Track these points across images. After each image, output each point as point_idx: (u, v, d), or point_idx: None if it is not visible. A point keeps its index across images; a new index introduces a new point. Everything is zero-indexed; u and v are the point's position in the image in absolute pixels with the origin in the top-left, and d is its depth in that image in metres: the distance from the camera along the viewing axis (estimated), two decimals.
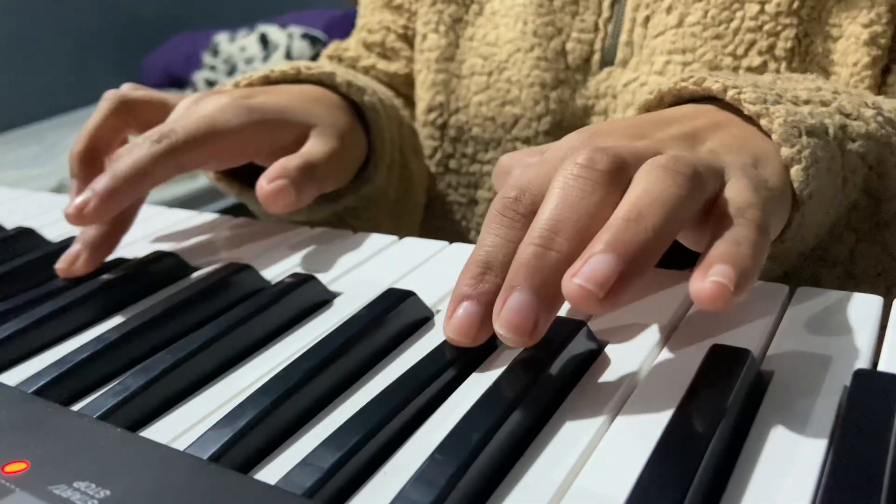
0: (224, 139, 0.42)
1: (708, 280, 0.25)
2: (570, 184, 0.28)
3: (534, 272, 0.26)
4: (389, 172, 0.54)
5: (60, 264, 0.41)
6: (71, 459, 0.24)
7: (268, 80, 0.50)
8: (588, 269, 0.25)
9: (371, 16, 0.65)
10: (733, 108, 0.35)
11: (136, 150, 0.40)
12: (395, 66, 0.64)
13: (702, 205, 0.29)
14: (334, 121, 0.48)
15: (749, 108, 0.34)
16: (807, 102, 0.37)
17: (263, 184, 0.41)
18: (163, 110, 0.48)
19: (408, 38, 0.64)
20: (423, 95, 0.59)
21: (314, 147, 0.45)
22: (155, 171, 0.40)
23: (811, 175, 0.33)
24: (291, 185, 0.41)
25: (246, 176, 0.51)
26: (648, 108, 0.39)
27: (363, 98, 0.50)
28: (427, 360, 0.29)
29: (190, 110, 0.44)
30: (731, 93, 0.35)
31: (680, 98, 0.38)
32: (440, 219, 0.61)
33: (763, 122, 0.34)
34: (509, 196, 0.30)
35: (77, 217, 0.39)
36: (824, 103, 0.37)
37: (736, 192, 0.29)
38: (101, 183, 0.39)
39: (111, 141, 0.47)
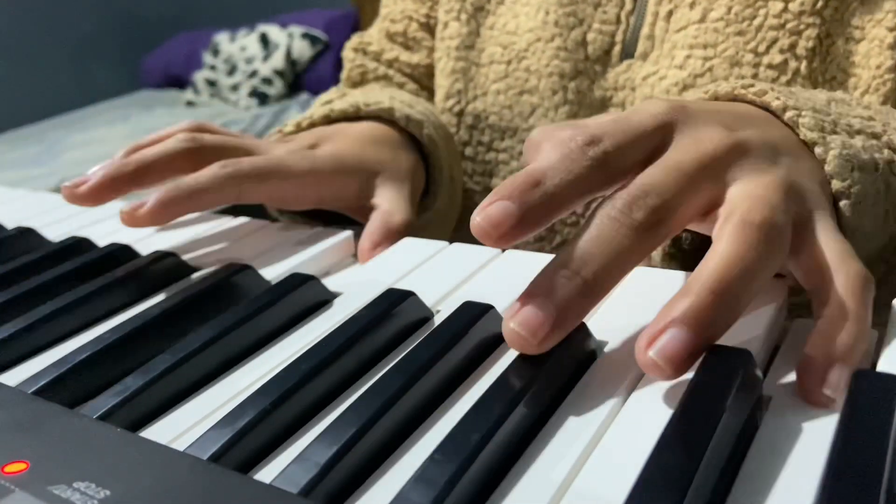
0: (285, 182, 0.45)
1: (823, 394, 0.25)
2: (608, 224, 0.28)
3: (558, 290, 0.27)
4: (443, 194, 0.55)
5: (127, 207, 0.41)
6: (71, 460, 0.24)
7: (329, 119, 0.53)
8: (662, 345, 0.26)
9: (394, 5, 0.66)
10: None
11: (204, 171, 0.43)
12: (418, 57, 0.64)
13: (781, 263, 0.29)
14: (398, 164, 0.50)
15: (807, 135, 0.34)
16: (859, 133, 0.37)
17: (365, 253, 0.44)
18: (236, 154, 0.47)
19: (430, 28, 0.64)
20: (443, 83, 0.60)
21: (388, 204, 0.47)
22: (215, 191, 0.42)
23: (858, 211, 0.33)
24: (381, 247, 0.44)
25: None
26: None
27: (422, 132, 0.52)
28: (426, 360, 0.29)
29: (260, 147, 0.47)
30: (790, 114, 0.34)
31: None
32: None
33: (818, 150, 0.33)
34: (577, 139, 0.30)
35: (129, 217, 0.41)
36: (875, 136, 0.37)
37: (831, 249, 0.29)
38: (162, 190, 0.41)
39: (162, 177, 0.45)
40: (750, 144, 0.32)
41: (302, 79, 2.82)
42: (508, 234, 0.28)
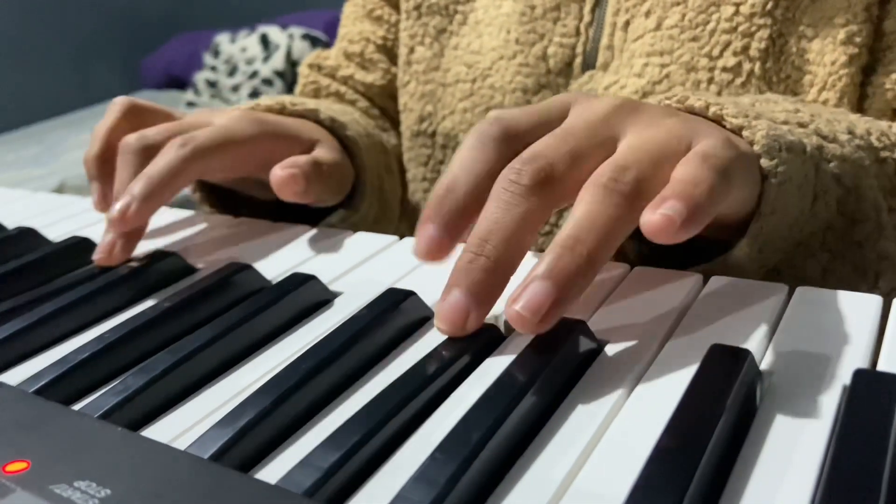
0: (241, 147, 0.45)
1: (657, 213, 0.27)
2: (499, 196, 0.30)
3: (465, 274, 0.29)
4: (370, 198, 0.55)
5: (99, 255, 0.42)
6: (72, 459, 0.24)
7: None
8: (526, 297, 0.28)
9: (352, 26, 0.67)
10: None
11: (165, 154, 0.43)
12: (372, 77, 0.66)
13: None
14: (333, 144, 0.51)
15: (732, 122, 0.35)
16: (785, 123, 0.38)
17: (277, 170, 0.43)
18: (168, 119, 0.50)
19: (387, 49, 0.66)
20: (414, 107, 0.61)
21: (321, 152, 0.48)
22: (185, 174, 0.43)
23: (784, 192, 0.34)
24: (302, 175, 0.44)
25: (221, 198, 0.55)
26: None
27: (346, 133, 0.52)
28: (427, 360, 0.29)
29: (201, 120, 0.47)
30: (713, 109, 0.35)
31: None
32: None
33: (746, 133, 0.34)
34: (487, 126, 0.33)
35: (121, 220, 0.41)
36: (802, 125, 0.38)
37: (705, 145, 0.31)
38: (138, 186, 0.41)
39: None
40: (643, 105, 0.33)
41: None
42: (441, 256, 0.32)
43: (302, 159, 0.45)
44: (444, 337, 0.30)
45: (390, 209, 0.61)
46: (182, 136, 0.44)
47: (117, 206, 0.41)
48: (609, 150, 0.32)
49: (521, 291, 0.28)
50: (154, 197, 0.42)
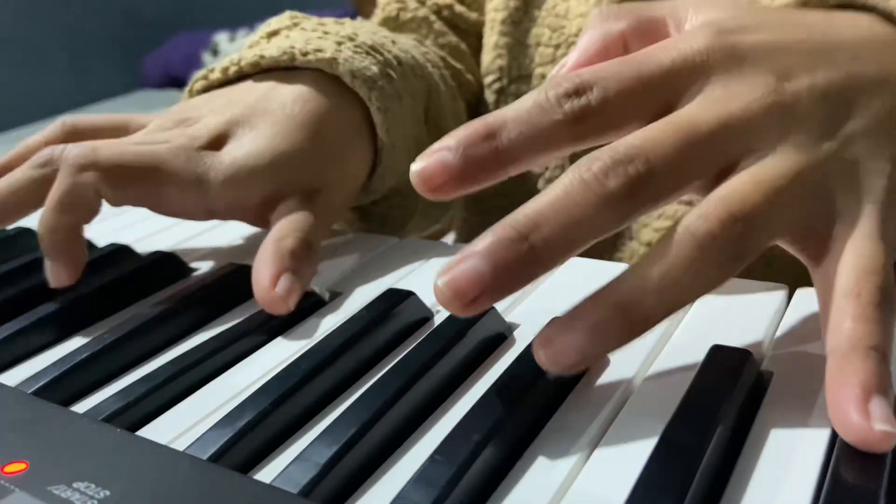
0: (165, 186, 0.37)
1: (875, 429, 0.22)
2: (573, 186, 0.24)
3: (499, 250, 0.24)
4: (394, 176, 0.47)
5: (54, 283, 0.37)
6: (70, 460, 0.24)
7: (259, 68, 0.43)
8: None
9: None
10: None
11: (53, 188, 0.36)
12: (473, 14, 0.57)
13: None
14: (342, 171, 0.41)
15: None
16: None
17: (266, 293, 0.34)
18: (120, 134, 0.42)
19: None
20: (485, 57, 0.55)
21: (310, 216, 0.38)
22: (82, 204, 0.36)
23: None
24: (297, 279, 0.35)
25: None
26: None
27: (370, 95, 0.42)
28: (426, 360, 0.29)
29: (146, 137, 0.39)
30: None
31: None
32: (484, 202, 0.56)
33: None
34: (556, 84, 0.26)
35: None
36: None
37: (862, 253, 0.24)
38: (48, 252, 0.37)
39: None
40: (798, 107, 0.26)
41: None
42: (441, 189, 0.25)
43: (286, 250, 0.35)
44: (445, 337, 0.30)
45: None
46: (84, 152, 0.36)
47: None
48: (730, 163, 0.25)
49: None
50: (65, 251, 0.37)
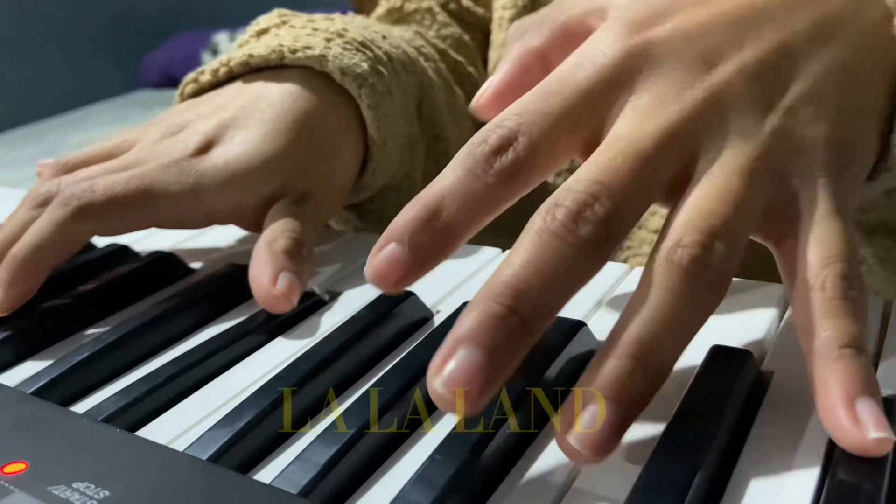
0: (157, 208, 0.37)
1: (869, 438, 0.21)
2: (547, 243, 0.22)
3: (493, 331, 0.21)
4: (411, 153, 0.47)
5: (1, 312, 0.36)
6: (70, 460, 0.24)
7: (248, 67, 0.43)
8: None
9: None
10: None
11: (39, 219, 0.36)
12: (480, 9, 0.57)
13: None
14: (331, 174, 0.41)
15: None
16: None
17: (266, 292, 0.34)
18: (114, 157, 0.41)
19: None
20: (492, 55, 0.54)
21: (300, 217, 0.38)
22: (63, 244, 0.36)
23: None
24: (296, 278, 0.34)
25: None
26: None
27: (360, 92, 0.41)
28: (426, 360, 0.29)
29: (129, 158, 0.39)
30: None
31: None
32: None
33: None
34: (482, 141, 0.25)
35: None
36: None
37: (820, 237, 0.24)
38: (1, 273, 0.36)
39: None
40: (733, 92, 0.25)
41: None
42: (401, 283, 0.24)
43: (278, 250, 0.35)
44: (445, 336, 0.30)
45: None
46: (73, 186, 0.36)
47: None
48: (687, 168, 0.25)
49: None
50: (21, 283, 0.35)
